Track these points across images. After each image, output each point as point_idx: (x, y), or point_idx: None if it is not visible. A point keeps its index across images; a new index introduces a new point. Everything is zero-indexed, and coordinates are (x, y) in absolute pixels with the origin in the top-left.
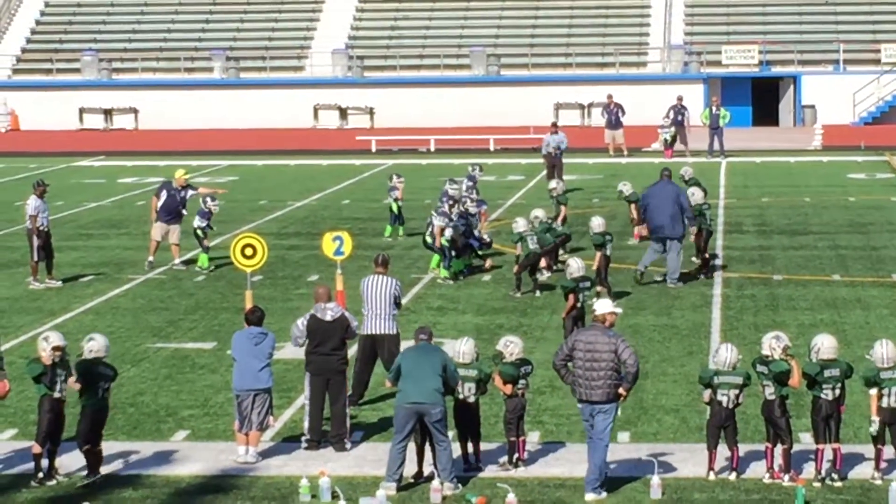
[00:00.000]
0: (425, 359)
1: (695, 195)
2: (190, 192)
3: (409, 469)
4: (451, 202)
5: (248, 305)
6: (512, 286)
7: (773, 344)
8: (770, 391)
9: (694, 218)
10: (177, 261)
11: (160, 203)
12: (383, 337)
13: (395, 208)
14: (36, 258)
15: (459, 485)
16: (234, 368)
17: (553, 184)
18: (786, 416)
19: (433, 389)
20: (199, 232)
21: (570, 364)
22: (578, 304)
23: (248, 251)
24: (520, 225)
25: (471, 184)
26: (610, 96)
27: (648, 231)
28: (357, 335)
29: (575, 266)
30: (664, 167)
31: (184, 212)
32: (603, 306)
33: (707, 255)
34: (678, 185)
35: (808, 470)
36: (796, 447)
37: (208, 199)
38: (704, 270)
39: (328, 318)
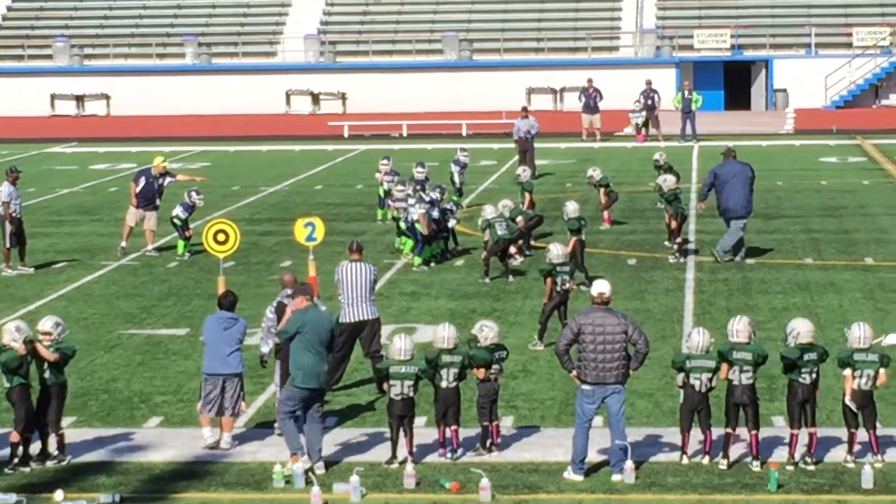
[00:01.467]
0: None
1: (667, 181)
2: (168, 180)
3: (384, 454)
4: (419, 187)
5: (221, 291)
6: (481, 272)
7: (750, 328)
8: (748, 376)
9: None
10: (150, 247)
11: (138, 189)
12: (365, 322)
13: (382, 192)
14: (8, 245)
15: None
16: (205, 352)
17: (519, 170)
18: (757, 400)
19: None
20: (176, 221)
21: (571, 350)
22: (557, 289)
23: (221, 237)
24: (487, 212)
25: (458, 168)
26: (590, 80)
27: (721, 211)
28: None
29: (555, 252)
30: (727, 147)
31: (158, 201)
32: (600, 286)
33: (681, 240)
34: (747, 163)
35: (781, 453)
36: (769, 431)
37: (193, 192)
38: (679, 253)
39: None
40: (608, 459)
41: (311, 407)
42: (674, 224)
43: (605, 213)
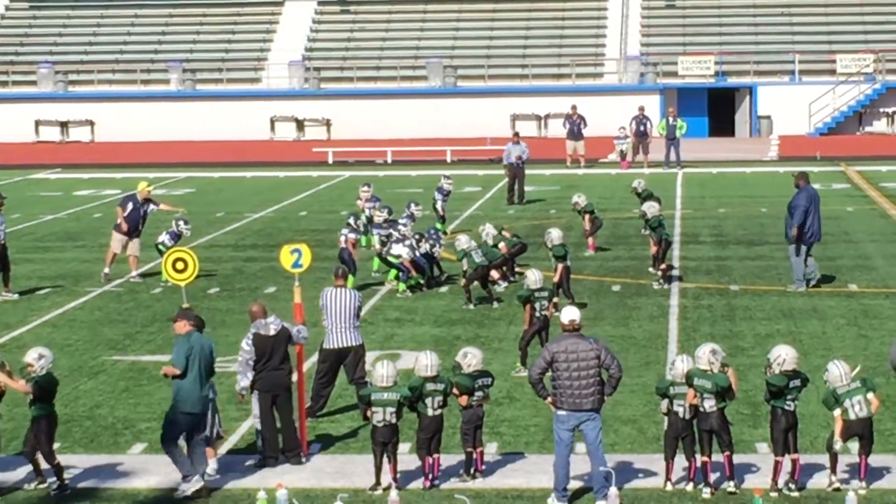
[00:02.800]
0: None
1: (652, 207)
2: (151, 207)
3: (368, 481)
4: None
5: None
6: (464, 299)
7: (710, 358)
8: (711, 403)
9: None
10: (134, 273)
11: (126, 214)
12: (350, 349)
13: (364, 219)
14: None
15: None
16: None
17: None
18: (728, 425)
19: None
20: (161, 248)
21: (544, 378)
22: (537, 315)
23: (180, 265)
24: (462, 242)
25: (442, 195)
26: (574, 107)
27: (798, 237)
28: (303, 342)
29: (532, 278)
30: (801, 172)
31: (141, 226)
32: (570, 313)
33: (665, 266)
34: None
35: (765, 480)
36: (752, 457)
37: (181, 221)
38: (663, 279)
39: (272, 332)
40: (591, 486)
41: (196, 431)
42: (655, 250)
43: (590, 240)
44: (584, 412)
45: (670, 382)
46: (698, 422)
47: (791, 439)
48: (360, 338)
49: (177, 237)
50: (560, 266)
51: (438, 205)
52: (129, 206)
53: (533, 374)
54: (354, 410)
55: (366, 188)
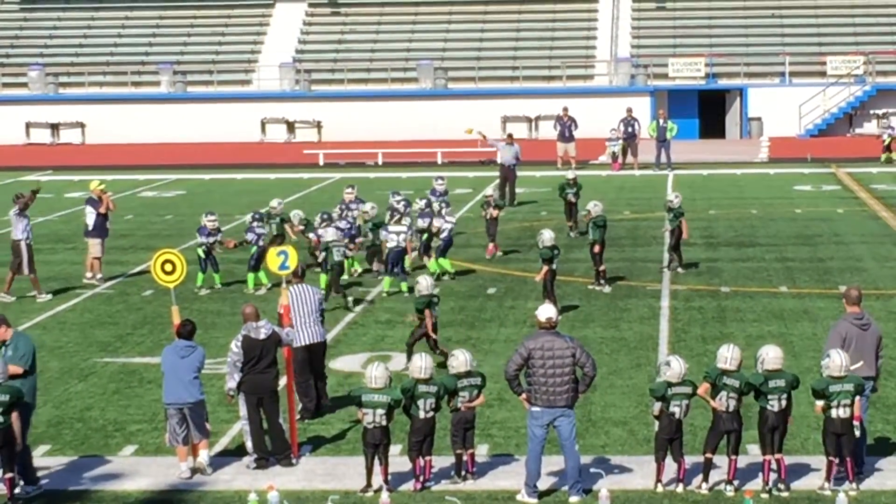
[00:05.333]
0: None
1: (678, 196)
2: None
3: (359, 482)
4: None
5: (176, 321)
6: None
7: (733, 354)
8: (735, 403)
9: None
10: (98, 275)
11: (95, 217)
12: (319, 345)
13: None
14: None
15: None
16: (164, 382)
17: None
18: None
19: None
20: (202, 252)
21: (520, 374)
22: (553, 268)
23: (168, 266)
24: (329, 234)
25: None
26: (565, 109)
27: None
28: (291, 344)
29: (548, 236)
30: None
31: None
32: (546, 311)
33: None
34: None
35: (756, 481)
36: (743, 459)
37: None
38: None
39: (262, 336)
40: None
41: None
42: (685, 234)
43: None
44: (558, 408)
45: (667, 384)
46: (720, 423)
47: (776, 438)
48: (324, 333)
49: (207, 233)
50: (545, 268)
51: (435, 206)
52: (95, 208)
53: (509, 370)
54: (346, 411)
55: (349, 189)
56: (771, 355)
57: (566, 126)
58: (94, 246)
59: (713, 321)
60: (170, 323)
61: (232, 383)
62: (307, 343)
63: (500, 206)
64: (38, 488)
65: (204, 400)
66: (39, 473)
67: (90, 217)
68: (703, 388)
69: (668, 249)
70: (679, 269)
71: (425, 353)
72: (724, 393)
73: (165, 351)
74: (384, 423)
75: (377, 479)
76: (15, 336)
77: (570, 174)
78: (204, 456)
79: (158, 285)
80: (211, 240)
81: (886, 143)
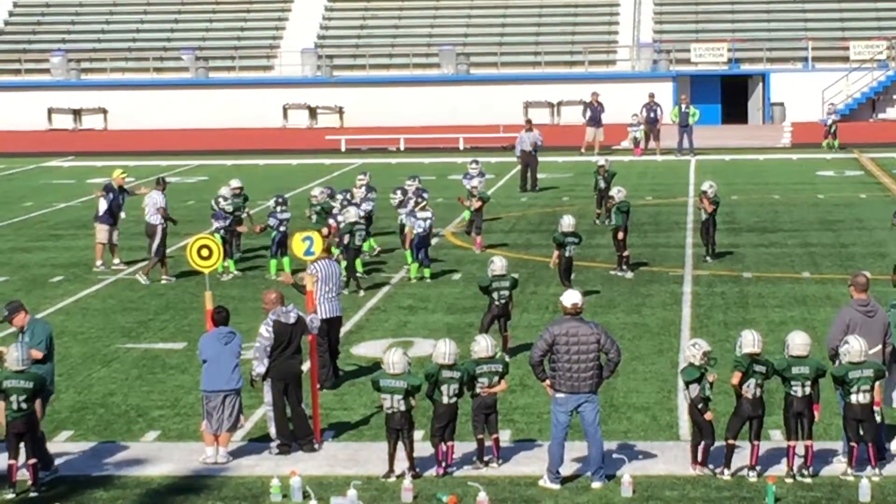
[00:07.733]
0: None
1: (713, 185)
2: (125, 196)
3: (382, 468)
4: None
5: (209, 306)
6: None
7: (758, 337)
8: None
9: None
10: (117, 261)
11: (108, 204)
12: (337, 319)
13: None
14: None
15: None
16: (204, 369)
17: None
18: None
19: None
20: (220, 235)
21: (545, 360)
22: (566, 255)
23: (205, 252)
24: (352, 215)
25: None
26: (595, 94)
27: None
28: (315, 331)
29: (566, 222)
30: None
31: (122, 214)
32: (571, 297)
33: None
34: None
35: (779, 468)
36: (766, 444)
37: (220, 199)
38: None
39: (292, 320)
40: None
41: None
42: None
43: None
44: (583, 394)
45: (702, 368)
46: (743, 408)
47: (804, 425)
48: (341, 308)
49: (223, 216)
50: (557, 252)
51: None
52: (110, 195)
53: (534, 356)
54: (369, 397)
55: (362, 176)
56: (797, 341)
57: (596, 111)
58: (100, 231)
59: (735, 307)
60: (192, 308)
61: (261, 368)
62: (327, 317)
63: (485, 199)
64: (53, 472)
65: (241, 389)
66: (62, 459)
67: (102, 203)
68: (736, 377)
69: (708, 238)
70: (707, 258)
71: (450, 340)
72: (752, 381)
73: (206, 339)
74: (402, 408)
75: (399, 465)
76: (31, 322)
77: (601, 160)
78: (223, 452)
79: (181, 270)
80: (227, 221)
81: None
